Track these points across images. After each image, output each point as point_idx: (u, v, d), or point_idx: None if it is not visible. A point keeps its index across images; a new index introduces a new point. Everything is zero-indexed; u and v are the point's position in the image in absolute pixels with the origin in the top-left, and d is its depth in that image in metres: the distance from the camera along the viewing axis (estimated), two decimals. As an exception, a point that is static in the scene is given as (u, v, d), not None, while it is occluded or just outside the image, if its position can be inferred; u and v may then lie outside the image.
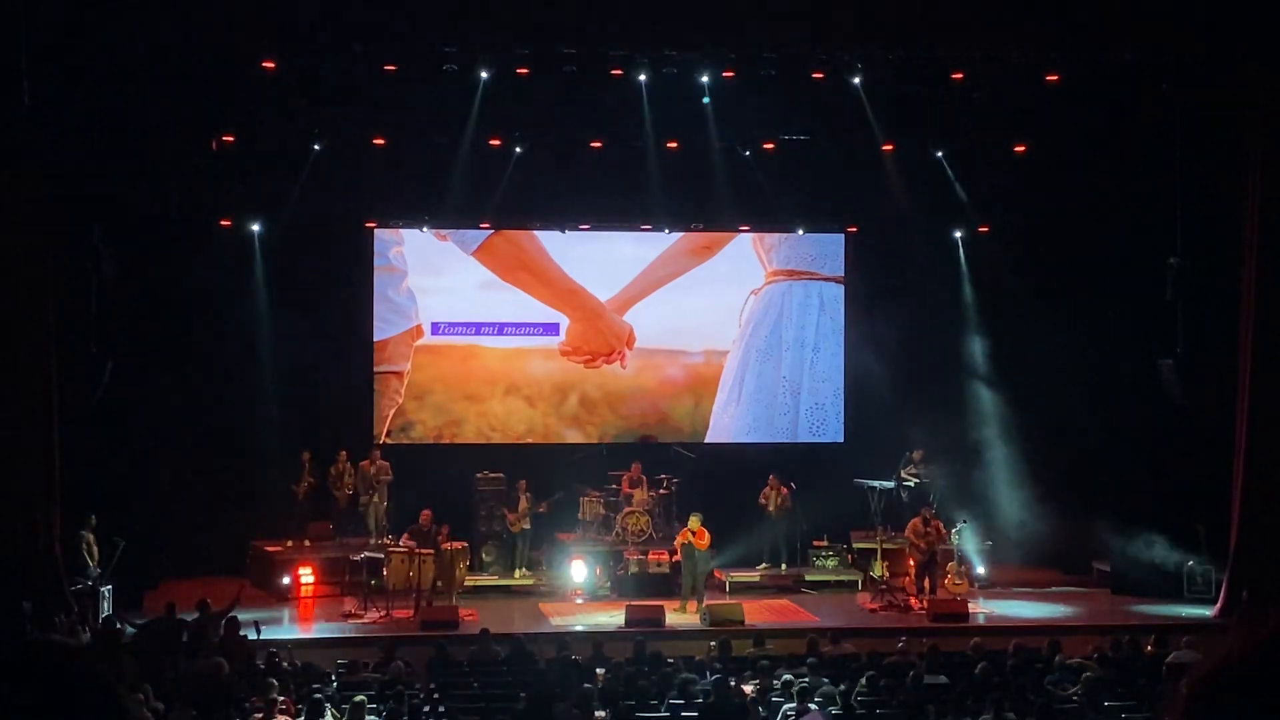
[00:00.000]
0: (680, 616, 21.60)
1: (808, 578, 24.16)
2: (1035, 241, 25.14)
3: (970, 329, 26.26)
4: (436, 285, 25.93)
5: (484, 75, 22.28)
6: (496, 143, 24.11)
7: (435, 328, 25.78)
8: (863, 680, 16.16)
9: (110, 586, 20.95)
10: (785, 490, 24.24)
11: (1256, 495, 21.83)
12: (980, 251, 26.52)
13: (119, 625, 18.73)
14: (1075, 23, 21.78)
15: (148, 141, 22.18)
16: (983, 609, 22.57)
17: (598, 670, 16.66)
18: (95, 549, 21.18)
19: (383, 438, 25.50)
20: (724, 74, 22.63)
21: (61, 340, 20.61)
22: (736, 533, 24.28)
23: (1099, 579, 24.48)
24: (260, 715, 14.49)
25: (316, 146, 23.90)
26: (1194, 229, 22.66)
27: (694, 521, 22.41)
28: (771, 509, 24.24)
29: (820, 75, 22.72)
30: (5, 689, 2.05)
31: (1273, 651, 1.79)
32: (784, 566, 24.22)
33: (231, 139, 23.53)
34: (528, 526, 23.87)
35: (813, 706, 14.48)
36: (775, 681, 16.06)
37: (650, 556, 23.50)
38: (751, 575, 24.02)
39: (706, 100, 23.24)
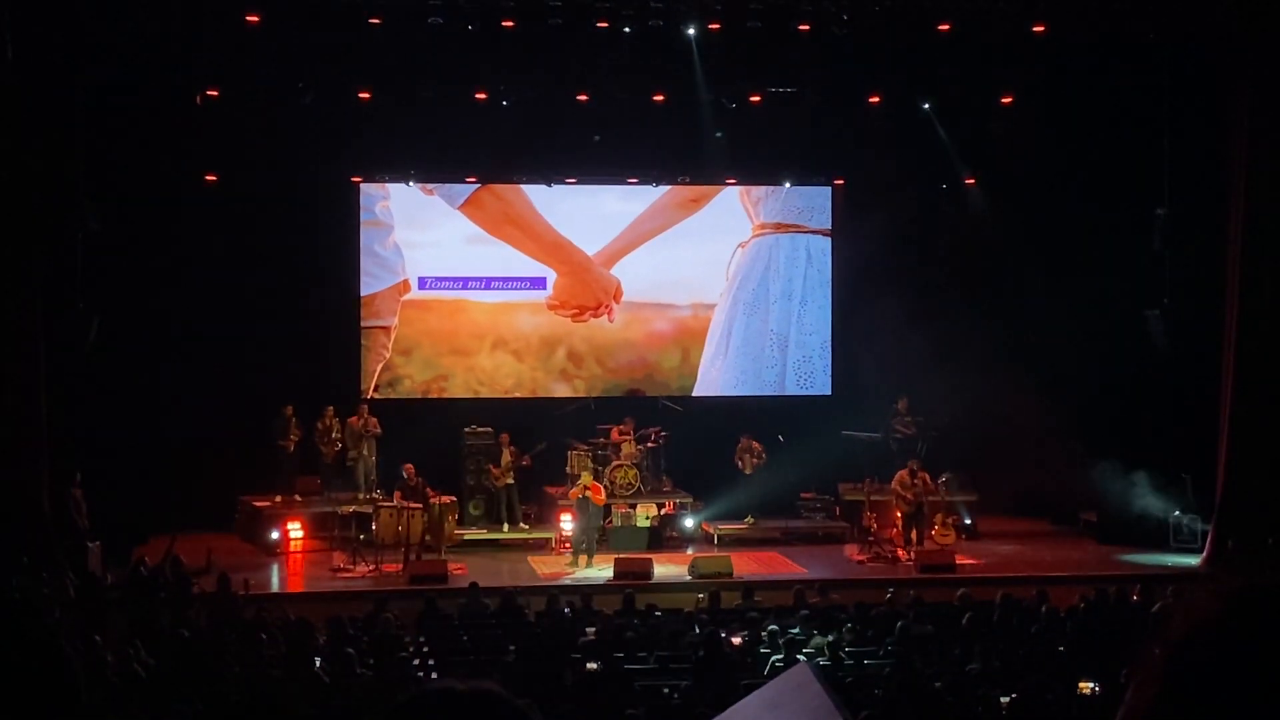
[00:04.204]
0: (582, 571, 21.74)
1: (794, 529, 24.25)
2: (1022, 193, 25.14)
3: (957, 281, 26.26)
4: (423, 240, 25.89)
5: (469, 28, 22.18)
6: (482, 96, 24.02)
7: (422, 282, 25.75)
8: (850, 630, 16.24)
9: (99, 542, 20.96)
10: (759, 445, 24.36)
11: (1242, 445, 21.92)
12: (967, 203, 26.52)
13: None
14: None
15: (132, 95, 22.08)
16: (970, 559, 22.67)
17: (588, 629, 16.69)
18: (83, 505, 21.17)
19: (370, 393, 25.49)
20: (710, 26, 22.55)
21: (48, 296, 20.56)
22: (724, 486, 24.38)
23: (1086, 529, 24.60)
24: (249, 670, 14.52)
25: (302, 101, 23.81)
26: (1181, 179, 22.69)
27: (587, 476, 22.61)
28: (747, 470, 24.38)
29: (806, 27, 22.63)
30: None
31: (1245, 609, 1.80)
32: (749, 519, 24.24)
33: (216, 93, 23.44)
34: (511, 481, 23.92)
35: (800, 658, 14.54)
36: (763, 633, 16.13)
37: (639, 509, 23.61)
38: (739, 528, 24.09)
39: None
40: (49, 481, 20.49)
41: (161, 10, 21.08)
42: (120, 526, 21.63)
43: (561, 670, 14.28)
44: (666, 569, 21.64)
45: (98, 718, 10.85)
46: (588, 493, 22.39)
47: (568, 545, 22.98)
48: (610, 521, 23.61)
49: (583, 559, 22.04)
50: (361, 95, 23.68)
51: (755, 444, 24.50)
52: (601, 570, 21.62)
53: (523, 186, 25.97)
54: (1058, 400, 24.67)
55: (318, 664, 14.58)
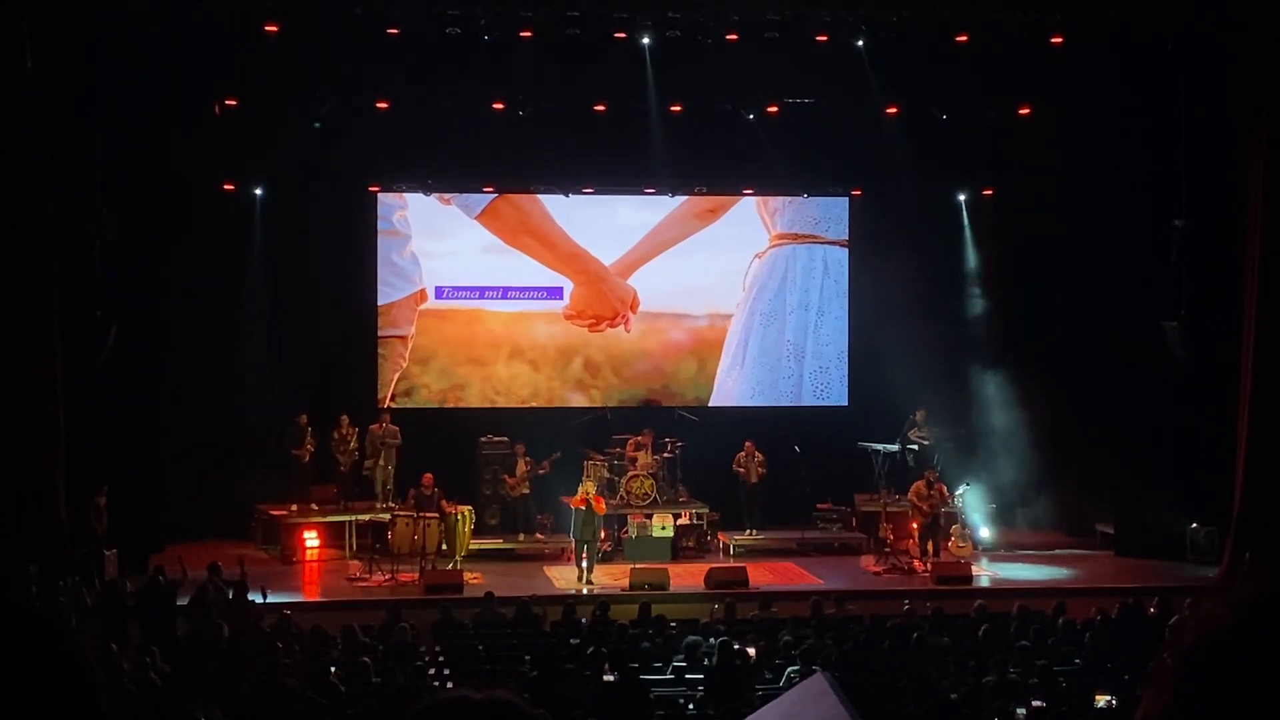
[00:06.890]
0: (585, 585, 21.64)
1: (810, 539, 24.22)
2: (1039, 204, 25.08)
3: (974, 292, 26.25)
4: (440, 249, 25.91)
5: (487, 38, 22.23)
6: (500, 106, 24.04)
7: (439, 292, 25.76)
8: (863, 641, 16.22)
9: (115, 550, 21.00)
10: (761, 455, 24.29)
11: (1259, 457, 21.85)
12: (984, 214, 26.49)
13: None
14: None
15: (150, 105, 22.16)
16: (986, 571, 22.65)
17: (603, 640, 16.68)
18: (104, 514, 21.20)
19: (387, 402, 25.50)
20: (728, 37, 22.57)
21: (65, 304, 20.62)
22: (739, 497, 24.35)
23: (1102, 541, 24.54)
24: (266, 678, 14.54)
25: (320, 110, 23.85)
26: (1198, 191, 22.65)
27: (590, 485, 22.52)
28: (753, 478, 24.26)
29: (824, 38, 22.69)
30: None
31: (1255, 617, 1.80)
32: (752, 532, 24.18)
33: (234, 103, 23.49)
34: (527, 490, 23.90)
35: (816, 668, 14.52)
36: (779, 643, 16.12)
37: (655, 520, 23.59)
38: (756, 538, 24.08)
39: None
40: (66, 489, 20.54)
41: (180, 20, 21.15)
42: (138, 534, 21.67)
43: (577, 680, 14.28)
44: (682, 579, 21.62)
45: (114, 725, 10.86)
46: (591, 502, 22.25)
47: (570, 555, 22.85)
48: (626, 532, 23.62)
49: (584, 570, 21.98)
50: (379, 105, 23.71)
51: (759, 454, 24.40)
52: (614, 582, 21.59)
53: (540, 196, 25.97)
54: (1075, 412, 24.63)
55: (333, 673, 14.59)
